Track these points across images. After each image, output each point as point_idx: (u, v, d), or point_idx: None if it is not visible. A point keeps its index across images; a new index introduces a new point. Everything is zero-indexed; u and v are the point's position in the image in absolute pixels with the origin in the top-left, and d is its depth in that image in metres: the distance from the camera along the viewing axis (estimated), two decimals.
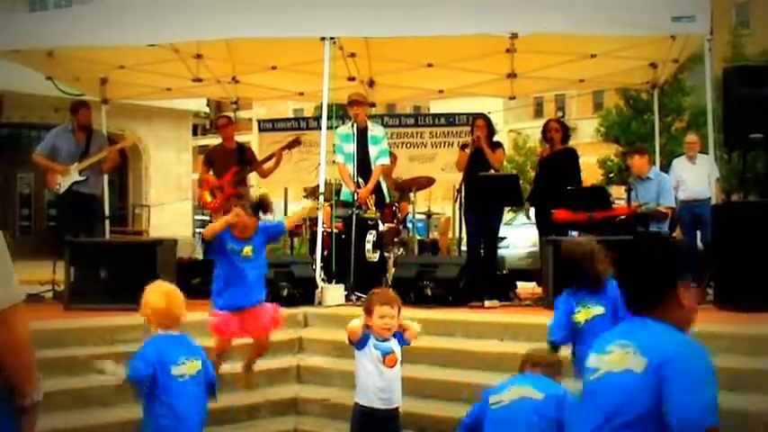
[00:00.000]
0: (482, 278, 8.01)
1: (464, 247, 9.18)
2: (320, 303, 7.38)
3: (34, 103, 16.07)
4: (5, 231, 2.27)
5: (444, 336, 6.53)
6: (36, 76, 9.80)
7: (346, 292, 7.64)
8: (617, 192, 13.81)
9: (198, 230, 15.49)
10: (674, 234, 9.56)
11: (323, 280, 7.62)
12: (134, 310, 6.86)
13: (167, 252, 7.59)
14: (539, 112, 44.86)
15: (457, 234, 9.75)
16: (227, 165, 9.10)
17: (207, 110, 22.79)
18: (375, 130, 8.73)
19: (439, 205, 13.65)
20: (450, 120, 11.66)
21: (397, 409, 4.49)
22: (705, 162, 9.12)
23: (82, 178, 8.76)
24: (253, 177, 10.13)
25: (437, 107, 23.50)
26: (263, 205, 5.61)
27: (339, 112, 10.25)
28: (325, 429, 5.57)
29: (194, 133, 26.09)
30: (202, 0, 8.43)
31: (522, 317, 6.78)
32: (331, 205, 8.33)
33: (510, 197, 8.88)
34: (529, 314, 7.02)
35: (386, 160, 8.72)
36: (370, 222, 8.26)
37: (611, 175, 29.23)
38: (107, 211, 10.06)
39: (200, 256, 10.32)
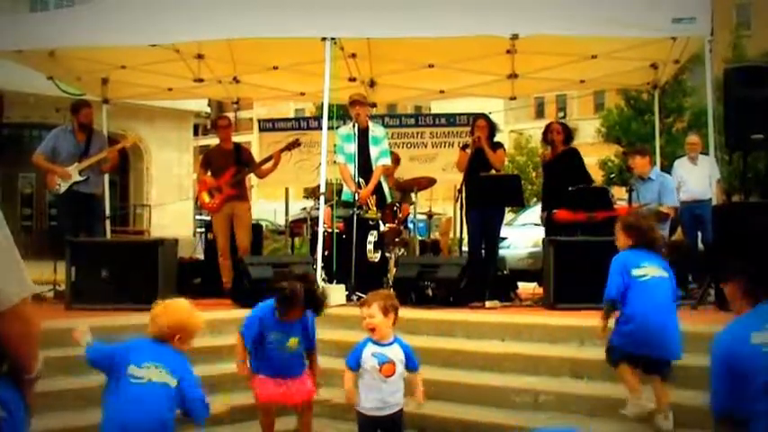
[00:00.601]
0: (483, 278, 8.01)
1: (465, 248, 9.19)
2: None
3: (36, 103, 16.09)
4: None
5: (445, 336, 6.53)
6: (37, 75, 9.81)
7: (347, 293, 7.64)
8: (618, 192, 13.82)
9: (199, 230, 15.48)
10: (674, 235, 9.59)
11: (324, 280, 7.63)
12: (135, 310, 6.92)
13: (168, 252, 7.59)
14: (540, 113, 44.90)
15: (458, 234, 9.76)
16: (225, 165, 9.10)
17: (208, 110, 22.79)
18: (376, 130, 8.73)
19: (440, 206, 13.65)
20: (451, 120, 11.66)
21: (399, 411, 4.50)
22: (706, 163, 9.12)
23: (82, 178, 8.77)
24: (251, 177, 10.13)
25: (438, 107, 23.52)
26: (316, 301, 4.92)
27: (340, 113, 10.25)
28: (326, 429, 5.57)
29: (195, 133, 26.11)
30: (203, 0, 8.43)
31: (523, 317, 6.78)
32: (332, 205, 8.33)
33: (511, 197, 8.88)
34: (530, 314, 7.02)
35: (387, 161, 8.72)
36: (371, 223, 8.27)
37: (612, 175, 29.24)
38: (108, 211, 10.07)
39: (200, 256, 10.35)
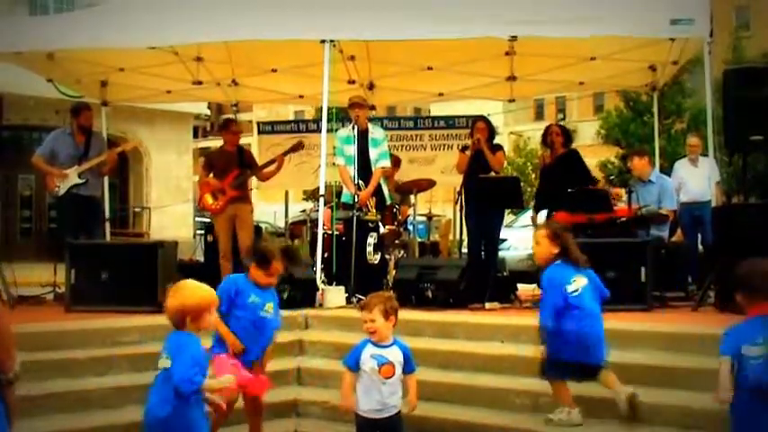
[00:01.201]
0: (483, 280, 8.00)
1: (465, 250, 9.19)
2: (321, 305, 7.38)
3: (35, 106, 16.10)
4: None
5: (445, 338, 6.53)
6: (37, 78, 9.82)
7: (347, 294, 7.64)
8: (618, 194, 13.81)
9: (199, 232, 15.49)
10: (674, 236, 9.59)
11: (323, 282, 7.63)
12: (135, 312, 6.93)
13: (168, 254, 7.59)
14: (539, 115, 44.90)
15: (457, 236, 9.76)
16: (228, 168, 9.11)
17: (207, 112, 22.80)
18: (375, 132, 8.74)
19: (439, 207, 13.63)
20: (450, 122, 11.67)
21: (398, 412, 4.50)
22: (706, 164, 9.12)
23: (81, 181, 8.78)
24: (251, 180, 10.13)
25: (437, 110, 23.53)
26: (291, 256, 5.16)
27: (339, 115, 10.26)
28: (325, 431, 5.57)
29: (195, 135, 26.11)
30: (202, 3, 8.44)
31: (523, 319, 6.77)
32: (331, 207, 8.33)
33: (510, 199, 8.87)
34: (530, 316, 6.99)
35: (386, 163, 8.73)
36: (370, 224, 8.27)
37: (612, 177, 29.24)
38: (108, 213, 10.08)
39: (200, 258, 10.35)
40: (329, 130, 8.29)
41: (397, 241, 9.01)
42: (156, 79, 10.37)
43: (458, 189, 8.78)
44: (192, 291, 3.96)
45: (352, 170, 8.42)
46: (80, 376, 5.65)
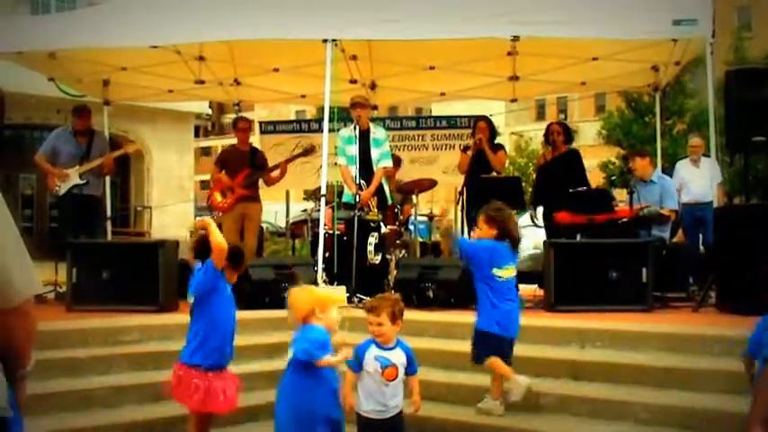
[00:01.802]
0: None
1: None
2: None
3: (37, 105, 16.10)
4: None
5: (446, 338, 6.52)
6: (39, 77, 9.83)
7: (348, 294, 7.63)
8: (619, 194, 13.81)
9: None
10: (675, 237, 9.59)
11: (324, 282, 7.62)
12: (136, 312, 6.93)
13: (169, 253, 7.59)
14: (541, 115, 44.89)
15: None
16: (240, 167, 9.14)
17: (209, 111, 22.81)
18: (377, 132, 8.74)
19: (441, 207, 13.63)
20: (452, 122, 11.67)
21: (400, 413, 4.48)
22: (708, 165, 9.12)
23: (82, 181, 8.79)
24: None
25: (439, 109, 23.51)
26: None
27: (341, 115, 10.27)
28: None
29: (196, 135, 26.10)
30: (204, 2, 8.44)
31: (524, 319, 6.75)
32: (333, 207, 8.34)
33: (512, 199, 8.85)
34: (530, 316, 7.00)
35: (388, 162, 8.73)
36: (372, 224, 8.27)
37: (613, 177, 29.25)
38: (109, 212, 10.08)
39: None
40: (331, 130, 8.29)
41: (398, 241, 9.01)
42: (157, 78, 10.37)
43: (459, 189, 8.77)
44: (315, 292, 4.28)
45: (354, 170, 8.42)
46: (81, 375, 5.64)
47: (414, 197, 9.75)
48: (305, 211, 10.96)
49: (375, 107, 10.97)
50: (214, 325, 4.57)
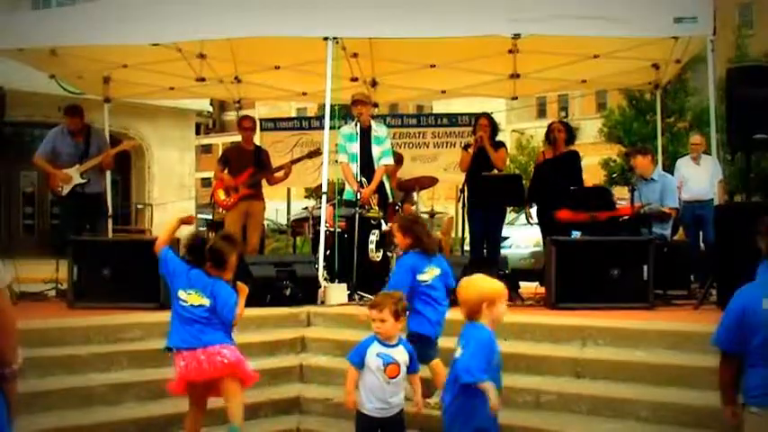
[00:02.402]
0: None
1: (467, 247, 9.19)
2: (323, 303, 7.38)
3: (38, 102, 16.07)
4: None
5: (446, 336, 6.50)
6: (40, 74, 9.83)
7: (349, 292, 7.64)
8: (620, 192, 13.80)
9: (201, 230, 15.45)
10: (676, 235, 9.58)
11: (326, 279, 7.63)
12: (137, 309, 6.93)
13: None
14: (542, 112, 44.90)
15: (459, 234, 9.75)
16: (244, 165, 9.15)
17: (210, 109, 22.76)
18: (378, 129, 8.74)
19: (442, 205, 13.63)
20: (453, 120, 11.67)
21: (401, 411, 4.48)
22: (709, 163, 9.11)
23: (83, 180, 8.78)
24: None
25: (440, 107, 23.50)
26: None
27: (342, 112, 10.27)
28: (328, 429, 5.56)
29: (197, 132, 26.07)
30: (205, 0, 8.44)
31: (525, 317, 6.77)
32: (334, 205, 8.34)
33: (513, 197, 8.88)
34: (531, 314, 7.02)
35: (389, 160, 8.72)
36: (373, 222, 8.27)
37: (614, 175, 29.25)
38: (110, 210, 10.07)
39: None
40: (332, 128, 8.29)
41: None
42: (158, 76, 10.37)
43: (460, 186, 8.77)
44: (486, 280, 4.15)
45: (355, 167, 8.42)
46: (82, 373, 5.65)
47: (415, 195, 9.75)
48: (306, 208, 10.96)
49: (376, 105, 10.97)
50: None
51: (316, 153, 9.48)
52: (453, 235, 11.66)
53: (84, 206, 8.80)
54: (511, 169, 26.94)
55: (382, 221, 8.42)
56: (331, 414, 5.68)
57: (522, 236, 12.14)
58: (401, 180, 10.06)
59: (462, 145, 9.49)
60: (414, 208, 9.78)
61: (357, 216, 8.04)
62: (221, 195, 9.16)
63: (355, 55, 9.87)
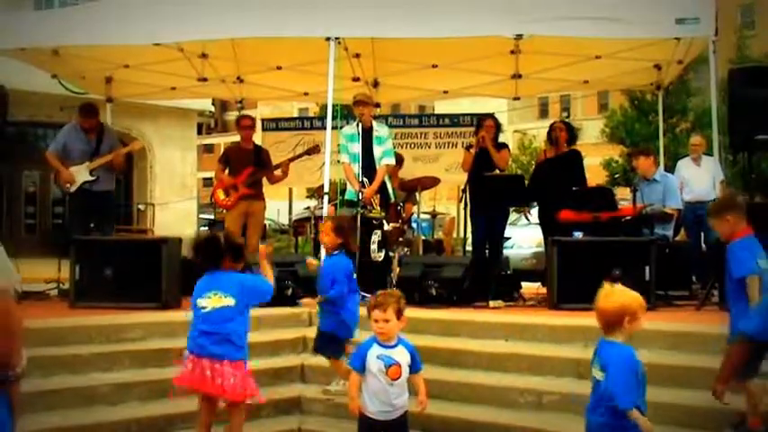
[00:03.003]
0: (487, 278, 8.01)
1: (469, 248, 9.19)
2: None
3: (41, 102, 16.08)
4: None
5: (449, 336, 6.53)
6: (42, 74, 9.83)
7: None
8: (622, 193, 13.80)
9: (202, 229, 15.47)
10: (677, 235, 9.57)
11: None
12: (138, 309, 6.93)
13: (172, 251, 7.59)
14: (544, 113, 44.89)
15: (461, 234, 9.75)
16: (243, 165, 9.15)
17: (212, 109, 22.76)
18: (380, 130, 8.73)
19: (443, 205, 13.65)
20: (455, 120, 11.68)
21: (404, 414, 4.45)
22: (710, 163, 9.10)
23: (92, 178, 8.78)
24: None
25: (441, 107, 23.50)
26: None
27: (344, 113, 10.27)
28: (330, 429, 5.56)
29: (199, 132, 26.07)
30: (208, 0, 8.44)
31: (527, 317, 6.78)
32: (335, 205, 8.33)
33: (515, 197, 8.88)
34: (533, 314, 7.02)
35: (391, 160, 8.72)
36: (375, 222, 8.27)
37: (616, 176, 29.23)
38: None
39: None
40: (334, 128, 8.29)
41: (401, 239, 9.01)
42: (160, 76, 10.38)
43: (462, 187, 8.77)
44: (629, 293, 3.91)
45: (357, 168, 8.42)
46: (84, 372, 5.65)
47: (416, 195, 9.76)
48: (308, 208, 10.98)
49: (378, 105, 10.97)
50: None
51: (314, 150, 9.48)
52: (455, 235, 11.66)
53: (92, 205, 8.80)
54: (513, 170, 26.93)
55: (384, 221, 8.43)
56: (332, 414, 5.69)
57: (523, 236, 12.14)
58: (403, 180, 10.06)
59: (464, 145, 9.49)
60: (415, 208, 9.79)
61: (359, 216, 8.04)
62: (221, 195, 9.17)
63: (357, 55, 9.87)
